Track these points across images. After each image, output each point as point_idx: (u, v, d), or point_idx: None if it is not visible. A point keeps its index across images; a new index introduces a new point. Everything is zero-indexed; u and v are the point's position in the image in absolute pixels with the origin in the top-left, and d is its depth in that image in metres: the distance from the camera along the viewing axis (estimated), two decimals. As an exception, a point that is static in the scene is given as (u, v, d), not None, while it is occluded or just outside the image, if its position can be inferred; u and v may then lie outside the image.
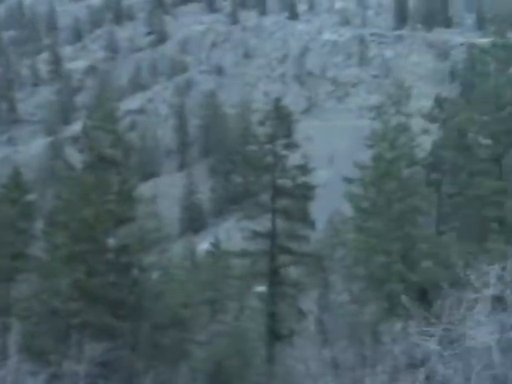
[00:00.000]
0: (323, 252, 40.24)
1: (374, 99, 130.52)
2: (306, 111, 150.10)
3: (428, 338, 11.18)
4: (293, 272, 34.74)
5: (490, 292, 11.53)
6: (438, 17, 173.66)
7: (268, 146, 33.14)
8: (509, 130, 33.89)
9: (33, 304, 29.73)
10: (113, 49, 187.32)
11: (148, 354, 30.70)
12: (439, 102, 38.26)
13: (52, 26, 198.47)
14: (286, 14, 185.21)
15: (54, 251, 30.28)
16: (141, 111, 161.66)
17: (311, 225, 33.37)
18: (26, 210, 35.26)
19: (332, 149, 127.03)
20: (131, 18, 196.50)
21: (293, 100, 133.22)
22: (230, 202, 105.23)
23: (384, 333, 19.50)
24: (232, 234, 67.16)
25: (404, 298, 12.84)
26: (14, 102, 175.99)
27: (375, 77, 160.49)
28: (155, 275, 33.68)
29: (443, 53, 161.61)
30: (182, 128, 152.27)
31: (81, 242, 29.17)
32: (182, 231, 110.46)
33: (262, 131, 33.77)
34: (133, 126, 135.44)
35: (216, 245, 57.10)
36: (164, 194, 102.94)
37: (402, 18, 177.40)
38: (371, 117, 56.41)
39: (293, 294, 33.08)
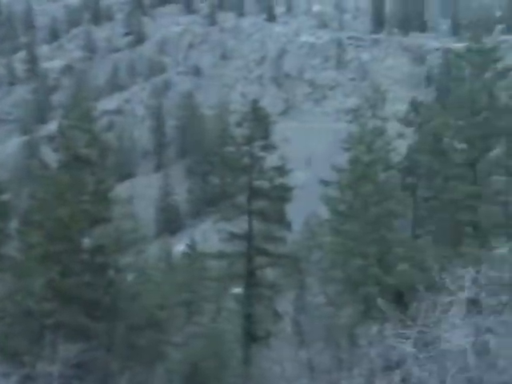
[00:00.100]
0: (300, 254, 40.30)
1: (351, 102, 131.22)
2: (284, 113, 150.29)
3: (404, 340, 11.26)
4: (269, 274, 34.79)
5: (464, 295, 11.64)
6: (414, 21, 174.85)
7: (245, 148, 33.14)
8: (484, 134, 34.17)
9: (6, 304, 29.44)
10: (90, 49, 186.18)
11: (123, 355, 30.56)
12: (415, 106, 38.51)
13: (29, 25, 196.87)
14: (264, 16, 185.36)
15: (28, 251, 30.02)
16: (118, 112, 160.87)
17: (288, 226, 33.42)
18: (0, 210, 34.93)
19: (309, 151, 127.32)
20: (109, 18, 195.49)
21: (270, 102, 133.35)
22: (207, 203, 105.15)
23: (360, 335, 19.59)
24: (209, 235, 67.09)
25: (380, 301, 12.92)
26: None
27: (352, 80, 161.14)
28: (131, 276, 33.53)
29: (419, 57, 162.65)
30: (159, 129, 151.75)
31: (56, 242, 28.96)
32: (158, 232, 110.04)
33: (239, 132, 33.76)
34: (110, 127, 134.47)
35: (192, 246, 56.99)
36: (140, 194, 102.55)
37: (378, 22, 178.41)
38: (348, 120, 56.69)
39: (269, 295, 33.11)
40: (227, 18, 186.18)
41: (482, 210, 33.09)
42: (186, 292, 46.30)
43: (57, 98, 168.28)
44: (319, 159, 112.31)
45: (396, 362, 11.38)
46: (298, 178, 74.56)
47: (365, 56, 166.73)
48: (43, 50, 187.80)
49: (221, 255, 33.49)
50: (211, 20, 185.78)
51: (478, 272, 11.96)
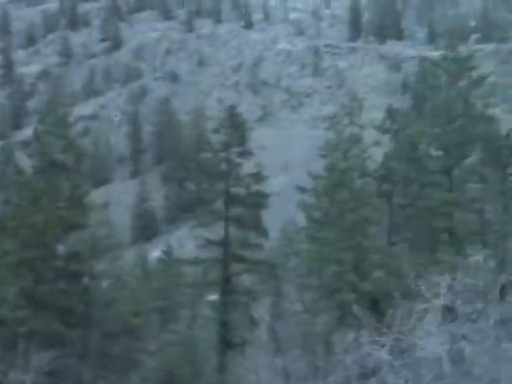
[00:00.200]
0: (276, 261, 40.26)
1: (328, 109, 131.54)
2: (260, 120, 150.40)
3: (379, 347, 11.23)
4: (246, 280, 34.70)
5: (440, 302, 11.64)
6: (390, 30, 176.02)
7: (222, 154, 33.08)
8: (459, 142, 34.41)
9: (-21, 312, 29.07)
10: (66, 54, 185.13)
11: (97, 363, 30.27)
12: (391, 113, 38.69)
13: (5, 30, 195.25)
14: (241, 23, 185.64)
15: (2, 257, 29.70)
16: (94, 117, 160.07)
17: (264, 233, 33.38)
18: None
19: (286, 158, 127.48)
20: (86, 24, 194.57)
21: (247, 108, 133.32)
22: (183, 209, 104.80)
23: (336, 343, 19.56)
24: (185, 241, 66.87)
25: (356, 308, 12.91)
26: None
27: (329, 87, 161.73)
28: (106, 283, 33.28)
29: (395, 65, 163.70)
30: (135, 135, 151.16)
31: (30, 249, 28.66)
32: (134, 238, 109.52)
33: (216, 139, 33.70)
34: (85, 132, 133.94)
35: (168, 252, 56.74)
36: (116, 200, 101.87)
37: (355, 30, 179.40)
38: (325, 127, 56.84)
39: (245, 302, 33.01)
40: (204, 25, 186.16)
41: (458, 218, 33.29)
42: (161, 299, 46.04)
43: (32, 103, 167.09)
44: (296, 166, 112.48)
45: (372, 370, 11.36)
46: (274, 184, 74.63)
47: (341, 64, 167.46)
48: (19, 55, 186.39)
49: (197, 261, 33.35)
50: (188, 26, 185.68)
51: (453, 279, 11.99)
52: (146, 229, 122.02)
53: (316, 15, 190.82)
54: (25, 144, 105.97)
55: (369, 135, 35.73)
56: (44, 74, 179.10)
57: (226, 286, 32.64)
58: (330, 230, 31.84)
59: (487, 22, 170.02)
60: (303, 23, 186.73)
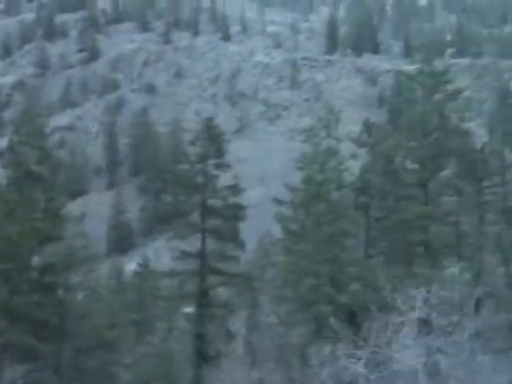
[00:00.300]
0: (253, 273, 40.20)
1: (305, 122, 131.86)
2: (238, 132, 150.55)
3: (355, 360, 11.23)
4: (222, 293, 34.56)
5: (416, 315, 11.67)
6: (367, 43, 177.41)
7: (199, 166, 32.99)
8: (435, 155, 34.64)
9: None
10: (43, 65, 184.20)
11: (72, 376, 29.96)
12: (367, 127, 38.92)
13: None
14: (219, 35, 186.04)
15: (-25, 270, 29.32)
16: (70, 128, 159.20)
17: (241, 245, 33.29)
18: None
19: (263, 170, 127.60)
20: (64, 34, 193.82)
21: (224, 120, 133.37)
22: (160, 221, 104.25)
23: (312, 355, 19.53)
24: (161, 253, 66.56)
25: (332, 320, 12.90)
26: None
27: (306, 100, 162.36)
28: (81, 295, 33.00)
29: (371, 78, 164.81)
30: (111, 146, 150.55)
31: (4, 260, 28.35)
32: (110, 250, 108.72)
33: (193, 151, 33.60)
34: (62, 143, 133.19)
35: (143, 265, 56.38)
36: (93, 212, 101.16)
37: (332, 43, 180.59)
38: (302, 139, 56.99)
39: (222, 315, 32.86)
40: (182, 37, 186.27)
41: (433, 230, 33.46)
42: (136, 311, 45.74)
43: (8, 114, 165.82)
44: (273, 178, 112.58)
45: (348, 383, 11.34)
46: (251, 196, 74.62)
47: (319, 76, 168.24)
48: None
49: (173, 274, 33.16)
50: (166, 38, 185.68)
51: (428, 292, 12.03)
52: (122, 241, 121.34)
53: (294, 28, 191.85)
54: None
55: (346, 148, 35.87)
56: (20, 85, 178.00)
57: (203, 298, 32.48)
58: (306, 242, 31.86)
59: (462, 37, 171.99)
60: (281, 36, 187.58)
